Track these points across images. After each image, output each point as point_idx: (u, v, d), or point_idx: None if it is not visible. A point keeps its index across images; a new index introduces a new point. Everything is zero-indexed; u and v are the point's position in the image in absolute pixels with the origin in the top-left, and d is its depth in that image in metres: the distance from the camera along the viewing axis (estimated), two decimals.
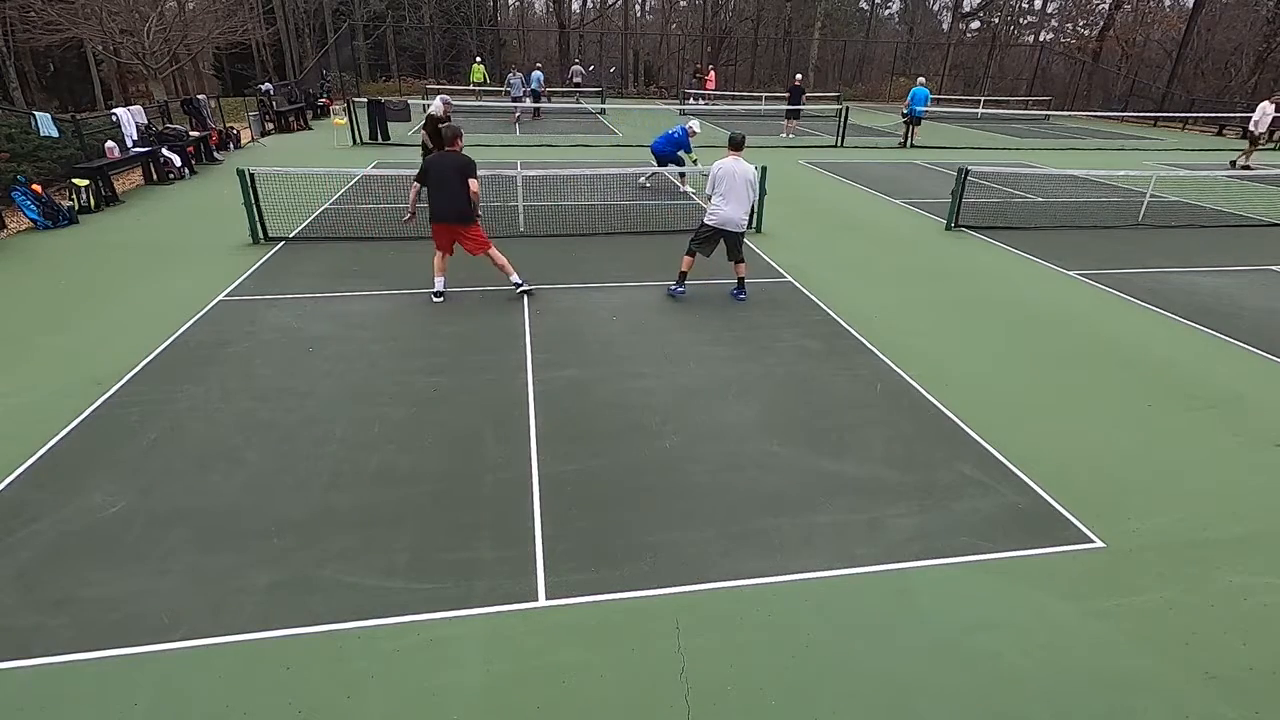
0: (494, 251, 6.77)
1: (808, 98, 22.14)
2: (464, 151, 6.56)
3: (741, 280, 7.05)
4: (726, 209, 6.60)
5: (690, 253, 6.96)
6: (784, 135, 21.10)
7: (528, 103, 23.14)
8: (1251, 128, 16.86)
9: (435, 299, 6.77)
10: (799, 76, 23.46)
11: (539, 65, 25.82)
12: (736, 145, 6.63)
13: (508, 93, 24.28)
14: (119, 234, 9.12)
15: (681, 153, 11.51)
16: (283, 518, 3.70)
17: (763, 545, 3.59)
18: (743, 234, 6.80)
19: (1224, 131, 26.34)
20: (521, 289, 6.90)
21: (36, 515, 3.67)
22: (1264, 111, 16.56)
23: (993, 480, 4.19)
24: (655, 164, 11.59)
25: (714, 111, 28.93)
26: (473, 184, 6.38)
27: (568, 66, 30.43)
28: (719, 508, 3.87)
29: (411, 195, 6.58)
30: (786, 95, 21.83)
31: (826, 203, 12.09)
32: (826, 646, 3.01)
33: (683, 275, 7.02)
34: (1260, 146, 17.18)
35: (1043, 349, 6.13)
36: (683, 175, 12.02)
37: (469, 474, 4.12)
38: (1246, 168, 16.74)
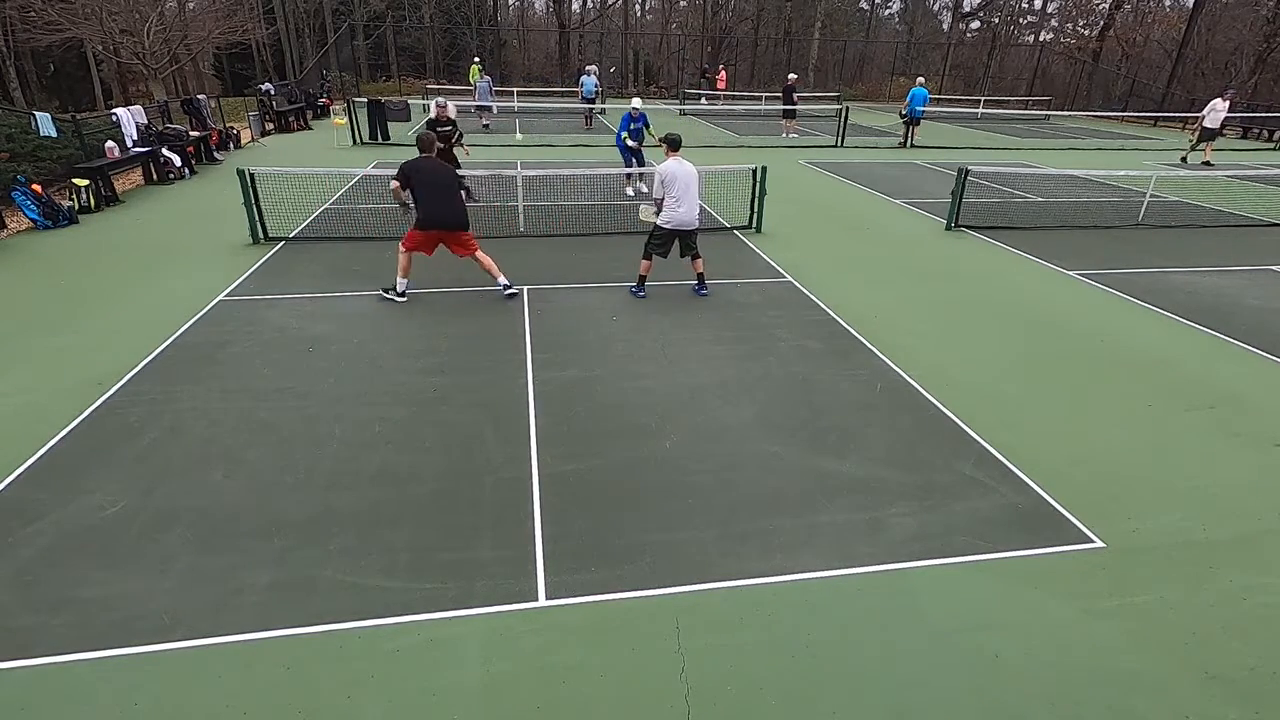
0: (481, 254, 6.79)
1: (799, 97, 21.96)
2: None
3: (701, 276, 7.13)
4: (681, 210, 6.64)
5: (647, 256, 6.93)
6: (785, 135, 21.10)
7: (494, 109, 22.32)
8: (1209, 124, 17.16)
9: (399, 299, 6.74)
10: (792, 76, 23.38)
11: (589, 70, 22.89)
12: (676, 146, 6.71)
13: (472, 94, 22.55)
14: (119, 234, 9.13)
15: (632, 134, 11.46)
16: (283, 518, 3.70)
17: (763, 545, 3.59)
18: (697, 231, 6.90)
19: (1224, 131, 26.32)
20: (509, 291, 6.88)
21: (36, 515, 3.67)
22: (1213, 107, 16.99)
23: (993, 480, 4.19)
24: (626, 161, 11.72)
25: (714, 111, 28.96)
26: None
27: (580, 67, 29.76)
28: (719, 508, 3.87)
29: (400, 193, 6.49)
30: (780, 95, 21.80)
31: (826, 203, 12.09)
32: (826, 646, 3.01)
33: (643, 279, 7.02)
34: (1207, 143, 17.51)
35: (1043, 349, 6.13)
36: (629, 176, 12.02)
37: (469, 474, 4.12)
38: (1208, 163, 17.16)
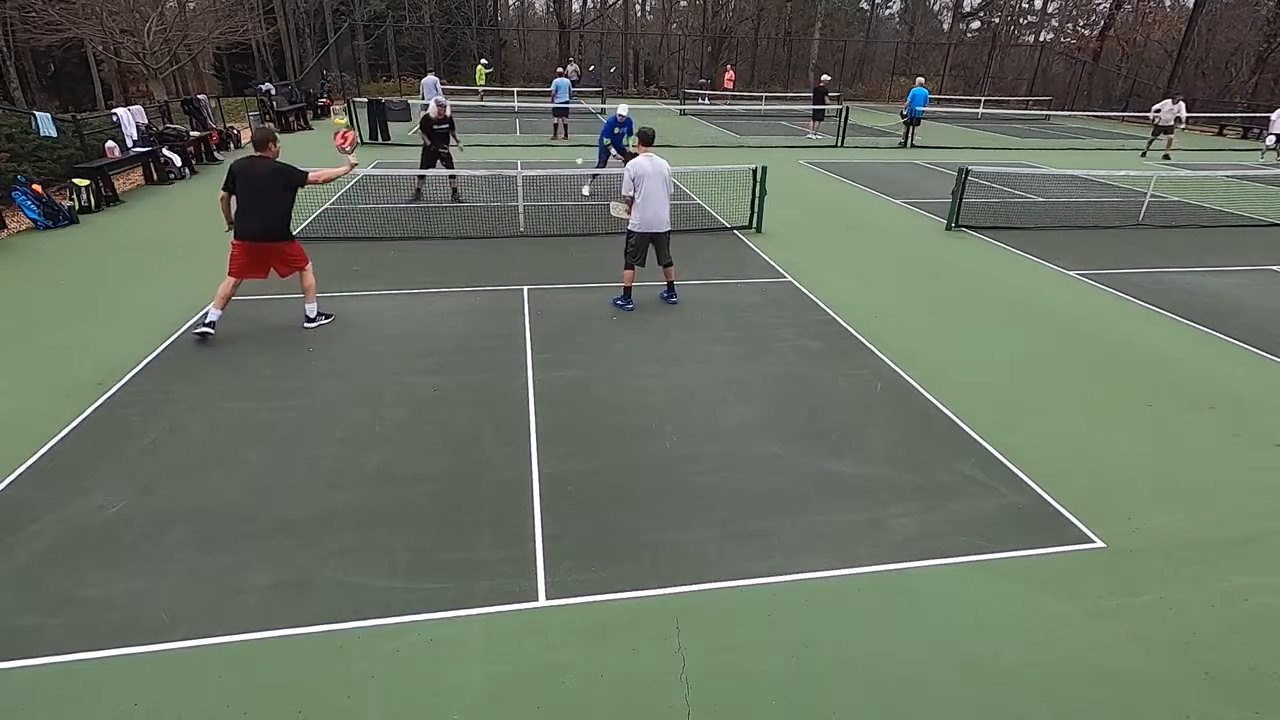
0: (307, 270, 6.04)
1: (831, 97, 21.90)
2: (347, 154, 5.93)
3: (671, 284, 6.87)
4: (649, 211, 6.32)
5: (629, 266, 6.63)
6: (810, 135, 21.06)
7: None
8: (1151, 116, 18.78)
9: (204, 331, 5.65)
10: (825, 77, 23.31)
11: (560, 71, 20.85)
12: (648, 141, 6.39)
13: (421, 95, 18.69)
14: (119, 234, 9.13)
15: (614, 140, 11.13)
16: (283, 518, 3.70)
17: (762, 545, 3.59)
18: (669, 234, 6.60)
19: (1224, 131, 26.34)
20: (315, 324, 6.06)
21: (36, 515, 3.67)
22: (1164, 105, 18.39)
23: (993, 480, 4.19)
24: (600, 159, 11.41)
25: (714, 111, 28.96)
26: (314, 173, 5.80)
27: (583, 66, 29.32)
28: (719, 508, 3.87)
29: (223, 205, 5.87)
30: (809, 96, 21.77)
31: (826, 203, 12.09)
32: (826, 647, 3.01)
33: (628, 290, 6.67)
34: (1157, 140, 18.81)
35: (1043, 349, 6.12)
36: (593, 177, 11.78)
37: (469, 474, 4.12)
38: (1166, 156, 18.24)
